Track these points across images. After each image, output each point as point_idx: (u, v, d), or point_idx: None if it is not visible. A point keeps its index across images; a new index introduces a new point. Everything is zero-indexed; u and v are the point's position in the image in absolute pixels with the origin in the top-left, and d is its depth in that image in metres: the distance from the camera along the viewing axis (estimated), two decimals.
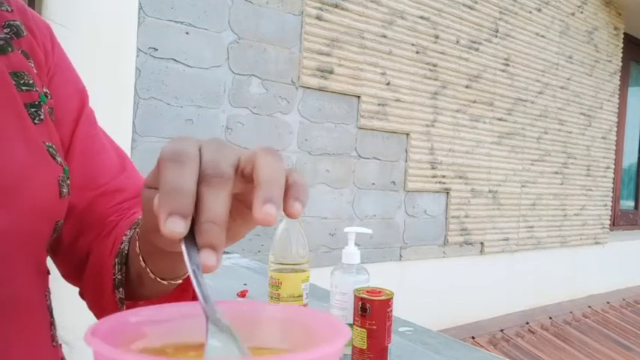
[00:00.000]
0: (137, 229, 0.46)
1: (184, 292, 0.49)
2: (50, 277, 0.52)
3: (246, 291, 1.08)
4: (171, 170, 0.29)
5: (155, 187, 0.32)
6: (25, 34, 0.50)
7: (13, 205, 0.42)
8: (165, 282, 0.45)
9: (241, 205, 0.33)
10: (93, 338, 0.24)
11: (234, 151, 0.31)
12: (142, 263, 0.44)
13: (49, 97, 0.51)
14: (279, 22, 1.86)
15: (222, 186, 0.29)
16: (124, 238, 0.49)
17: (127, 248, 0.48)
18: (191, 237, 0.29)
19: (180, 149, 0.30)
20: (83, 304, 0.55)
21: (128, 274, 0.48)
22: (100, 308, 0.52)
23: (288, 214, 0.30)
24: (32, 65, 0.49)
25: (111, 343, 0.24)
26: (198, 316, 0.30)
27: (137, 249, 0.45)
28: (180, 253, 0.37)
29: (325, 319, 0.30)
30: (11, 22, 0.49)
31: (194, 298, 0.51)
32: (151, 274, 0.45)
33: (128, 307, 0.49)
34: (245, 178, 0.31)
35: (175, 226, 0.27)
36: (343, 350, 0.27)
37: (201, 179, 0.29)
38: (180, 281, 0.47)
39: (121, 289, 0.48)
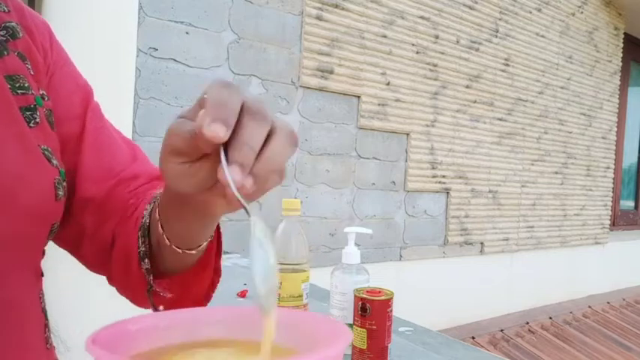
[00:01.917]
0: (157, 200, 0.48)
1: (204, 270, 0.50)
2: (45, 279, 0.52)
3: (247, 291, 1.08)
4: (221, 90, 0.32)
5: (190, 118, 0.35)
6: (21, 35, 0.50)
7: (8, 208, 0.42)
8: (179, 250, 0.47)
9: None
10: (94, 346, 0.24)
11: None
12: (160, 229, 0.46)
13: (46, 99, 0.50)
14: (279, 22, 1.86)
15: (264, 124, 0.32)
16: (144, 212, 0.51)
17: (148, 221, 0.50)
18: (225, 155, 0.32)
19: (230, 84, 0.33)
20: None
21: (150, 247, 0.50)
22: (128, 288, 0.53)
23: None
24: (29, 67, 0.49)
25: (111, 351, 0.24)
26: (198, 322, 0.30)
27: (157, 215, 0.47)
28: (196, 219, 0.42)
29: (327, 322, 0.30)
30: (7, 24, 0.49)
31: (214, 278, 0.52)
32: (167, 241, 0.46)
33: (156, 285, 0.50)
34: None
35: (218, 129, 0.30)
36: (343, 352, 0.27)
37: (245, 111, 0.32)
38: (194, 252, 0.48)
39: (146, 260, 0.49)
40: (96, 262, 0.55)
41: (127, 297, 0.55)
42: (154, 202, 0.50)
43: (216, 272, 0.53)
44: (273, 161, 0.33)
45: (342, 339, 0.26)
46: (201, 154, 0.35)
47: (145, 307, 0.53)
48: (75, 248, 0.55)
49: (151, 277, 0.50)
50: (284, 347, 0.31)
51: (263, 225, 0.31)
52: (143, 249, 0.49)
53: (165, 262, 0.50)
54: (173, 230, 0.46)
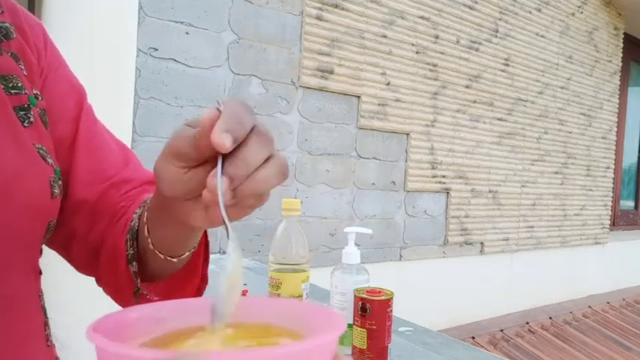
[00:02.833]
0: (146, 204, 0.49)
1: (191, 277, 0.51)
2: (44, 277, 0.52)
3: (246, 291, 1.08)
4: (239, 107, 0.34)
5: (196, 126, 0.36)
6: (14, 36, 0.50)
7: (4, 206, 0.42)
8: (162, 256, 0.47)
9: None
10: (95, 334, 0.24)
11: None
12: (146, 233, 0.47)
13: (40, 98, 0.51)
14: (279, 22, 1.86)
15: (266, 148, 0.34)
16: (133, 215, 0.51)
17: (137, 224, 0.50)
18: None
19: (247, 105, 0.35)
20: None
21: (138, 251, 0.50)
22: (116, 289, 0.54)
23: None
24: (22, 67, 0.49)
25: (113, 339, 0.24)
26: (199, 311, 0.30)
27: (145, 218, 0.47)
28: (178, 229, 0.44)
29: (321, 311, 0.31)
30: (1, 25, 0.49)
31: (201, 285, 0.53)
32: (151, 245, 0.47)
33: (143, 288, 0.50)
34: None
35: (226, 140, 0.32)
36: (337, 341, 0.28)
37: (254, 132, 0.34)
38: (175, 260, 0.48)
39: (134, 263, 0.50)
40: (85, 264, 0.56)
41: (114, 298, 0.55)
42: (144, 206, 0.50)
43: (203, 279, 0.54)
44: (260, 184, 0.34)
45: (337, 326, 0.27)
46: (200, 160, 0.36)
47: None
48: (64, 250, 0.55)
49: (138, 280, 0.50)
50: (282, 327, 0.32)
51: (238, 251, 0.32)
52: (131, 252, 0.50)
53: (150, 267, 0.50)
54: (157, 235, 0.47)
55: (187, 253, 0.49)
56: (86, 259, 0.55)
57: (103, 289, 0.56)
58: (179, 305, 0.33)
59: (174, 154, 0.36)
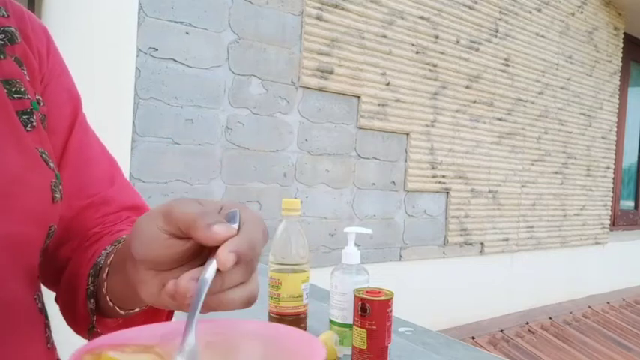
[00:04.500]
0: (118, 246, 0.48)
1: (156, 314, 0.50)
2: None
3: None
4: (256, 234, 0.34)
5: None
6: (19, 40, 0.50)
7: (5, 210, 0.42)
8: (122, 312, 0.46)
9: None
10: None
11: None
12: (104, 290, 0.46)
13: (42, 104, 0.51)
14: (279, 22, 1.86)
15: (248, 272, 0.34)
16: (102, 252, 0.50)
17: (102, 262, 0.49)
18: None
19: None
20: None
21: (99, 288, 0.49)
22: (72, 316, 0.52)
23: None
24: (25, 72, 0.49)
25: None
26: (177, 336, 0.30)
27: (104, 275, 0.46)
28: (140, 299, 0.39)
29: (303, 338, 0.31)
30: (6, 29, 0.49)
31: (168, 316, 0.51)
32: (110, 303, 0.46)
33: (98, 322, 0.50)
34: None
35: (228, 262, 0.32)
36: None
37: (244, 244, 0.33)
38: (122, 313, 0.47)
39: (92, 300, 0.49)
40: (49, 278, 0.55)
41: (68, 322, 0.54)
42: (116, 246, 0.49)
43: (169, 316, 0.52)
44: (221, 305, 0.33)
45: (316, 353, 0.27)
46: (187, 236, 0.35)
47: (83, 336, 0.52)
48: None
49: (95, 318, 0.49)
50: None
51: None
52: (92, 288, 0.49)
53: (110, 309, 0.49)
54: (113, 287, 0.46)
55: (137, 309, 0.48)
56: (50, 273, 0.54)
57: (60, 309, 0.54)
58: (157, 331, 0.33)
59: (170, 216, 0.35)
